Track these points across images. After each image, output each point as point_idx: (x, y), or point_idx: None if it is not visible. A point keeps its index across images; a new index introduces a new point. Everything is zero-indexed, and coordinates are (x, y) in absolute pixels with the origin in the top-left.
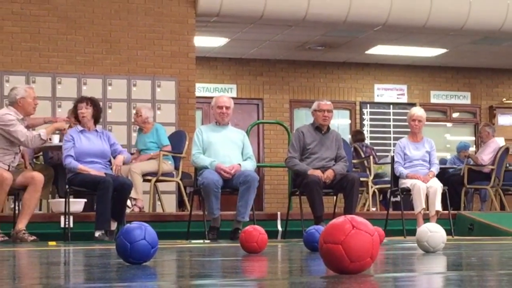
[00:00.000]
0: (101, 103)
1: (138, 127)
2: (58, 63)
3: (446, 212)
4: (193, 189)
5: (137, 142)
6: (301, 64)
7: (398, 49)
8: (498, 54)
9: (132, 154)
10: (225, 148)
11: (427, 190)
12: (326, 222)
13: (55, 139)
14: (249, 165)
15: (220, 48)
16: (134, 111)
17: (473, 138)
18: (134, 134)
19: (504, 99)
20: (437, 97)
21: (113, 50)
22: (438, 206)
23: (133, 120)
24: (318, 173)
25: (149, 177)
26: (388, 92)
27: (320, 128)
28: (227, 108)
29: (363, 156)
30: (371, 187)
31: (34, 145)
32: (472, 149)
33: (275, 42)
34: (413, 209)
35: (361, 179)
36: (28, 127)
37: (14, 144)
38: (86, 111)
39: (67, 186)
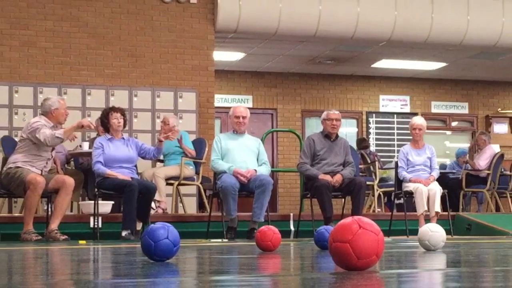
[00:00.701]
0: (127, 113)
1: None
2: (87, 76)
3: (446, 213)
4: (212, 192)
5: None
6: (312, 76)
7: (402, 63)
8: (494, 68)
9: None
10: (242, 155)
11: (428, 193)
12: (335, 223)
13: (85, 146)
14: (264, 170)
15: (237, 62)
16: (158, 120)
17: (470, 145)
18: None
19: (499, 109)
20: (438, 107)
21: (139, 64)
22: (438, 207)
23: (160, 128)
24: (327, 177)
25: (171, 181)
26: (392, 102)
27: (329, 136)
28: (243, 117)
29: (369, 161)
30: (377, 190)
31: (53, 144)
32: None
33: (288, 56)
34: (415, 211)
35: (367, 183)
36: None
37: (46, 150)
38: (121, 121)
39: (96, 190)
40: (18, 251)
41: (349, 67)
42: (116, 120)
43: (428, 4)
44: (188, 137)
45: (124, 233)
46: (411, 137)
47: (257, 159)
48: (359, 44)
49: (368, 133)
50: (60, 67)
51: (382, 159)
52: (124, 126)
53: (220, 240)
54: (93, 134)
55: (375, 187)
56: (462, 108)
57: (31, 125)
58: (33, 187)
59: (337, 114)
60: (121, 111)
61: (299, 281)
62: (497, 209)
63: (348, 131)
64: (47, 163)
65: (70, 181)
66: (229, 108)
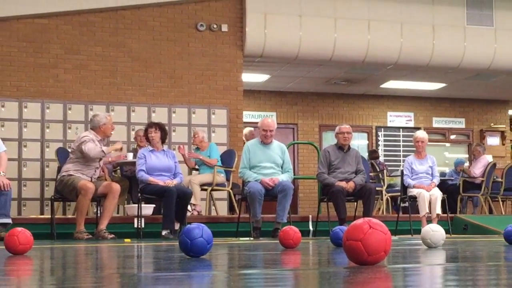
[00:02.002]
0: (167, 127)
1: (196, 146)
2: (132, 95)
3: (445, 215)
4: (241, 197)
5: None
6: (328, 95)
7: (407, 84)
8: (487, 88)
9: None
10: (267, 166)
11: (430, 197)
12: (348, 223)
13: (130, 157)
14: (287, 177)
15: (263, 83)
16: (192, 134)
17: (467, 155)
18: (193, 151)
19: (492, 124)
20: (438, 122)
21: (177, 85)
22: (438, 210)
23: (192, 140)
24: (343, 184)
25: (205, 187)
26: (398, 118)
27: (342, 147)
28: (270, 131)
29: (378, 170)
30: (385, 195)
31: (94, 156)
32: (466, 163)
33: (307, 78)
34: (418, 213)
35: (377, 188)
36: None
37: (94, 160)
38: (155, 135)
39: (139, 194)
40: (72, 248)
41: (360, 87)
42: (152, 134)
43: (430, 32)
44: (216, 148)
45: (164, 233)
46: (415, 149)
47: (282, 167)
48: (369, 67)
49: (377, 145)
50: (108, 87)
51: (389, 168)
52: (164, 139)
53: (247, 238)
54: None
55: (384, 192)
56: (460, 123)
57: (80, 139)
58: (84, 192)
59: (348, 128)
60: (157, 126)
61: (317, 274)
62: (490, 211)
63: (360, 143)
64: (95, 171)
65: (116, 187)
66: (256, 123)
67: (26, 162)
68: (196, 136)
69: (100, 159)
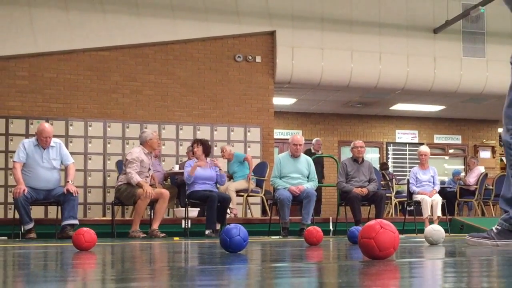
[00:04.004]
0: (210, 143)
1: (227, 159)
2: (180, 116)
3: (445, 217)
4: (272, 202)
5: (228, 169)
6: (346, 116)
7: (412, 106)
8: (480, 110)
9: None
10: (295, 175)
11: (432, 202)
12: (362, 224)
13: (176, 168)
14: (312, 185)
15: (291, 105)
16: (220, 151)
17: (463, 167)
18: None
19: (484, 140)
20: (439, 138)
21: (218, 107)
22: (439, 213)
23: (222, 155)
24: (359, 190)
25: (242, 193)
26: (405, 135)
27: (357, 159)
28: (300, 145)
29: (388, 179)
30: (393, 200)
31: (130, 181)
32: (462, 173)
33: (328, 101)
34: (422, 215)
35: (387, 194)
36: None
37: (143, 171)
38: (197, 149)
39: (186, 199)
40: (129, 245)
41: (373, 109)
42: (195, 149)
43: (431, 63)
44: (240, 153)
45: (207, 232)
46: (419, 161)
47: (308, 176)
48: (380, 92)
49: (387, 158)
50: (160, 109)
51: (397, 177)
52: (207, 153)
53: (277, 237)
54: (183, 158)
55: (392, 198)
56: (457, 140)
57: (129, 159)
58: (143, 197)
59: (361, 143)
60: (199, 142)
61: (337, 267)
62: (483, 214)
63: (372, 156)
64: (146, 179)
65: (166, 193)
66: (285, 139)
67: (90, 172)
68: (224, 151)
69: (149, 169)
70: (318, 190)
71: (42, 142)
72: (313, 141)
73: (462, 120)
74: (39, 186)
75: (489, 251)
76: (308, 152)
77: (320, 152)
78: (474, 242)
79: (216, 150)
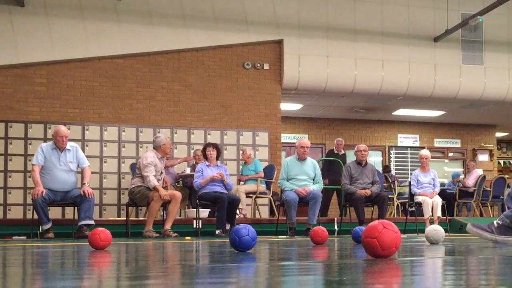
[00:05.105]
0: (220, 147)
1: (244, 160)
2: (191, 121)
3: (445, 217)
4: (280, 203)
5: (242, 170)
6: (350, 121)
7: (413, 111)
8: (479, 115)
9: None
10: (302, 178)
11: (432, 203)
12: (366, 224)
13: (187, 171)
14: (317, 187)
15: (297, 111)
16: (241, 152)
17: (462, 169)
18: (240, 166)
19: (482, 144)
20: (439, 142)
21: (227, 112)
22: (439, 213)
23: (241, 157)
24: (362, 192)
25: (251, 195)
26: (406, 139)
27: (360, 162)
28: (307, 147)
29: (390, 181)
30: (395, 201)
31: (147, 184)
32: (461, 176)
33: (333, 106)
34: (423, 216)
35: (389, 196)
36: (166, 166)
37: (155, 175)
38: (212, 152)
39: (197, 201)
40: (142, 244)
41: (376, 114)
42: (209, 152)
43: (432, 70)
44: (260, 163)
45: (217, 232)
46: (420, 164)
47: (313, 179)
48: (383, 98)
49: (389, 161)
50: (172, 114)
51: (399, 179)
52: (218, 156)
53: (285, 236)
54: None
55: (395, 199)
56: (456, 143)
57: (144, 163)
58: (156, 199)
59: (364, 147)
60: (214, 146)
61: (341, 265)
62: (481, 214)
63: (375, 159)
64: (158, 181)
65: (178, 194)
66: (292, 143)
67: (106, 174)
68: (244, 152)
69: (162, 172)
70: (338, 190)
71: (59, 142)
72: (335, 142)
73: (461, 124)
74: (57, 187)
75: (486, 250)
76: (331, 153)
77: (342, 152)
78: (474, 233)
79: (226, 154)
